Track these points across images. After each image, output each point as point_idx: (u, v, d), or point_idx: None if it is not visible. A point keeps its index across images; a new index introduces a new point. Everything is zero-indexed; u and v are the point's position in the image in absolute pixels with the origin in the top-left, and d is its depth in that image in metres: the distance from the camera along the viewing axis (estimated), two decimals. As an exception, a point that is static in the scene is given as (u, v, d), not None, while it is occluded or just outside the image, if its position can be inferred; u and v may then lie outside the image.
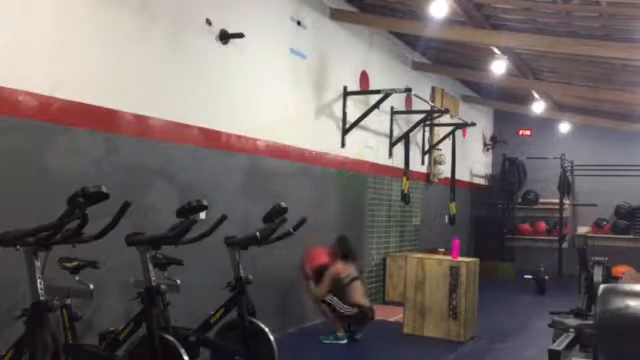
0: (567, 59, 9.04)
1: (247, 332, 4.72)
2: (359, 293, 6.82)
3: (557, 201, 13.76)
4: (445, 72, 11.34)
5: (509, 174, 14.43)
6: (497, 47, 8.69)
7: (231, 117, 6.04)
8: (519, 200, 14.64)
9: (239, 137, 6.15)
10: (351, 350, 6.58)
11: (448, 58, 10.64)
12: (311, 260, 6.84)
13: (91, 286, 3.79)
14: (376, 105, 8.24)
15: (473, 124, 11.10)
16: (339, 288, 6.69)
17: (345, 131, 8.10)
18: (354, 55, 8.48)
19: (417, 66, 10.44)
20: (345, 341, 6.69)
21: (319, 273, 6.79)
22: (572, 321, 3.96)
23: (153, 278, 4.01)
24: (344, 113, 8.09)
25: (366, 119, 8.28)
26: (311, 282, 6.79)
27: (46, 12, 4.24)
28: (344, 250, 6.93)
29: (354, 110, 8.24)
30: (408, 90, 8.06)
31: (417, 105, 9.78)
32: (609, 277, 6.47)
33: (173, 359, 3.85)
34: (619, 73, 9.36)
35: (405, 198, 9.49)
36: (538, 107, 12.16)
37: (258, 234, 4.86)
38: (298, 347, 6.39)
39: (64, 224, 3.19)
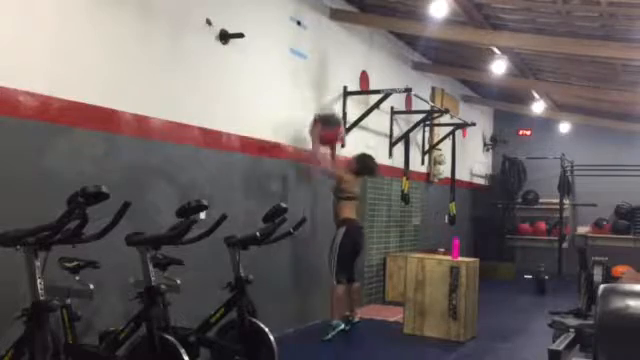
0: (567, 59, 9.03)
1: (247, 332, 4.72)
2: (350, 211, 6.96)
3: (557, 201, 13.73)
4: (445, 72, 11.33)
5: (509, 174, 14.43)
6: (497, 47, 8.69)
7: (231, 117, 6.04)
8: (519, 200, 14.63)
9: (239, 137, 6.15)
10: (351, 350, 6.58)
11: (448, 58, 10.63)
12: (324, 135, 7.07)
13: (91, 286, 3.79)
14: (376, 105, 8.24)
15: (473, 124, 11.10)
16: (335, 192, 6.96)
17: (345, 131, 8.10)
18: (354, 55, 8.47)
19: (417, 66, 10.44)
20: (342, 326, 6.79)
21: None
22: (572, 321, 3.98)
23: (153, 278, 4.01)
24: (344, 113, 8.08)
25: (366, 119, 8.27)
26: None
27: (46, 12, 4.24)
28: (361, 167, 7.09)
29: (354, 110, 8.23)
30: (408, 90, 8.05)
31: (417, 105, 9.77)
32: (609, 277, 6.48)
33: (173, 359, 3.86)
34: (619, 73, 9.36)
35: (405, 198, 9.49)
36: (538, 107, 12.15)
37: (258, 234, 4.87)
38: (298, 347, 6.38)
39: (64, 224, 3.19)
